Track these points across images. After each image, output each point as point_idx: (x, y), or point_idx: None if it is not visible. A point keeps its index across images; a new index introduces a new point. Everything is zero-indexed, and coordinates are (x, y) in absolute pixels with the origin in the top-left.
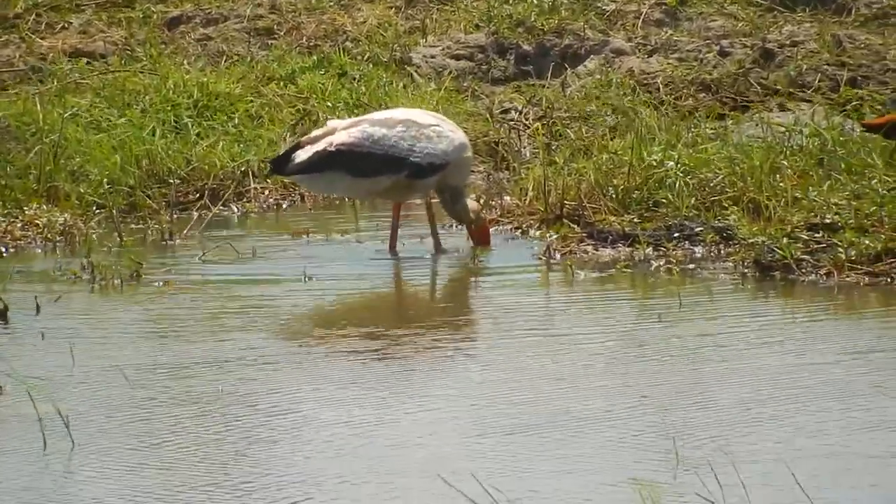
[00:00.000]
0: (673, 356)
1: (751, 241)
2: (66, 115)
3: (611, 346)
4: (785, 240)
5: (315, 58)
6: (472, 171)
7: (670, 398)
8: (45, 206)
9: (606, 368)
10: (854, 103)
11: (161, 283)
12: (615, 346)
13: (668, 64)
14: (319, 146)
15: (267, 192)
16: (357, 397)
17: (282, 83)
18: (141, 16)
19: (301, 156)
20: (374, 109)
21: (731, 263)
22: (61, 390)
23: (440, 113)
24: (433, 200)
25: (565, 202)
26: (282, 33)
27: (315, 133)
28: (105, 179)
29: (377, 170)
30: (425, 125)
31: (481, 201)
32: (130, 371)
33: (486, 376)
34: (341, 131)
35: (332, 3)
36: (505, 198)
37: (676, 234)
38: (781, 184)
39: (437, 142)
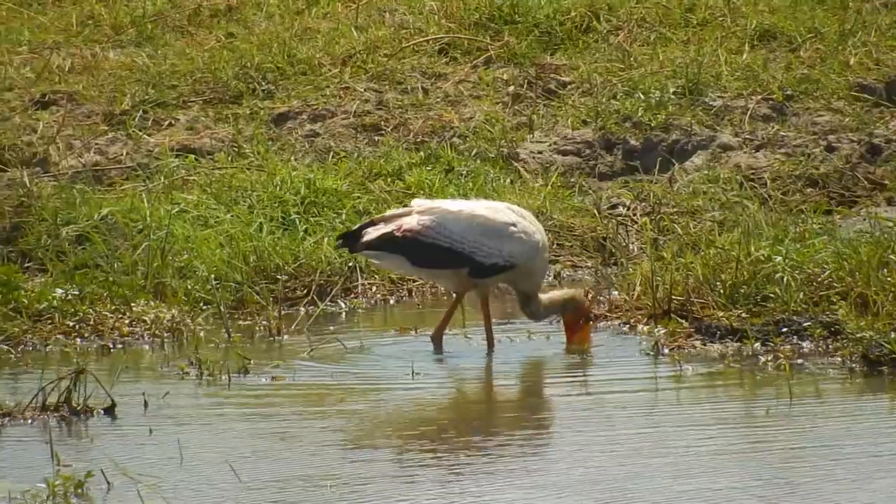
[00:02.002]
0: (782, 451)
1: (859, 335)
2: (173, 211)
3: (719, 441)
4: (893, 334)
5: (422, 153)
6: (550, 270)
7: (780, 494)
8: (152, 303)
9: (714, 463)
10: None
11: (269, 379)
12: (723, 440)
13: (776, 159)
14: (388, 228)
15: (374, 289)
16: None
17: (389, 179)
18: (248, 112)
19: (371, 234)
20: None
21: (839, 358)
22: (170, 486)
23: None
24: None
25: (673, 297)
26: (389, 129)
27: (392, 212)
28: (212, 275)
29: (438, 262)
30: (499, 223)
31: (586, 295)
32: (239, 466)
33: (593, 473)
34: (414, 215)
35: (438, 100)
36: (613, 293)
37: (784, 329)
38: (889, 278)
39: (507, 242)
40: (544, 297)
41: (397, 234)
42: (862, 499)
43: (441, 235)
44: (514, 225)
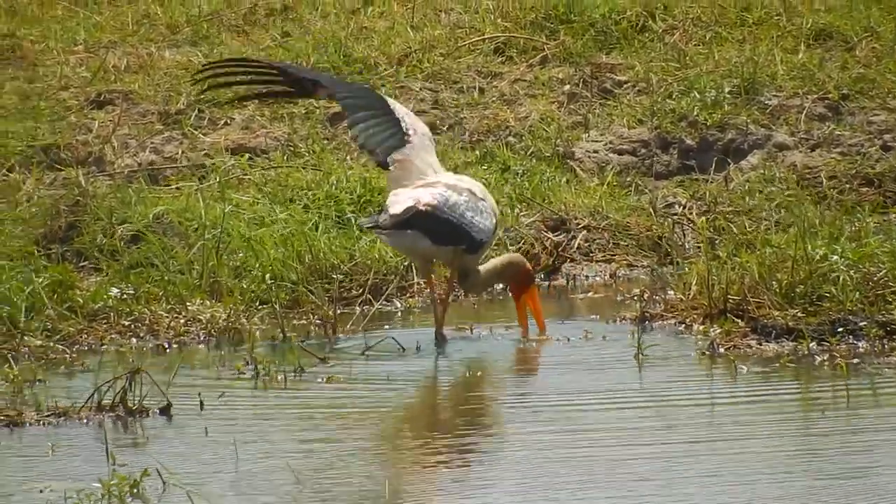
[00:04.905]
0: (840, 451)
1: None
2: (228, 210)
3: (776, 441)
4: None
5: (478, 153)
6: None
7: (839, 495)
8: (207, 302)
9: (772, 463)
10: None
11: (324, 379)
12: (781, 440)
13: (831, 158)
14: (409, 202)
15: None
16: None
17: None
18: (303, 111)
19: (394, 208)
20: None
21: (895, 358)
22: (226, 487)
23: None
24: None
25: (729, 296)
26: (444, 128)
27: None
28: (267, 275)
29: (448, 238)
30: (479, 198)
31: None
32: (298, 466)
33: (647, 471)
34: (419, 188)
35: (494, 99)
36: (668, 292)
37: (840, 329)
38: None
39: (487, 217)
40: (481, 268)
41: (420, 207)
42: None
43: (451, 210)
44: (484, 199)
